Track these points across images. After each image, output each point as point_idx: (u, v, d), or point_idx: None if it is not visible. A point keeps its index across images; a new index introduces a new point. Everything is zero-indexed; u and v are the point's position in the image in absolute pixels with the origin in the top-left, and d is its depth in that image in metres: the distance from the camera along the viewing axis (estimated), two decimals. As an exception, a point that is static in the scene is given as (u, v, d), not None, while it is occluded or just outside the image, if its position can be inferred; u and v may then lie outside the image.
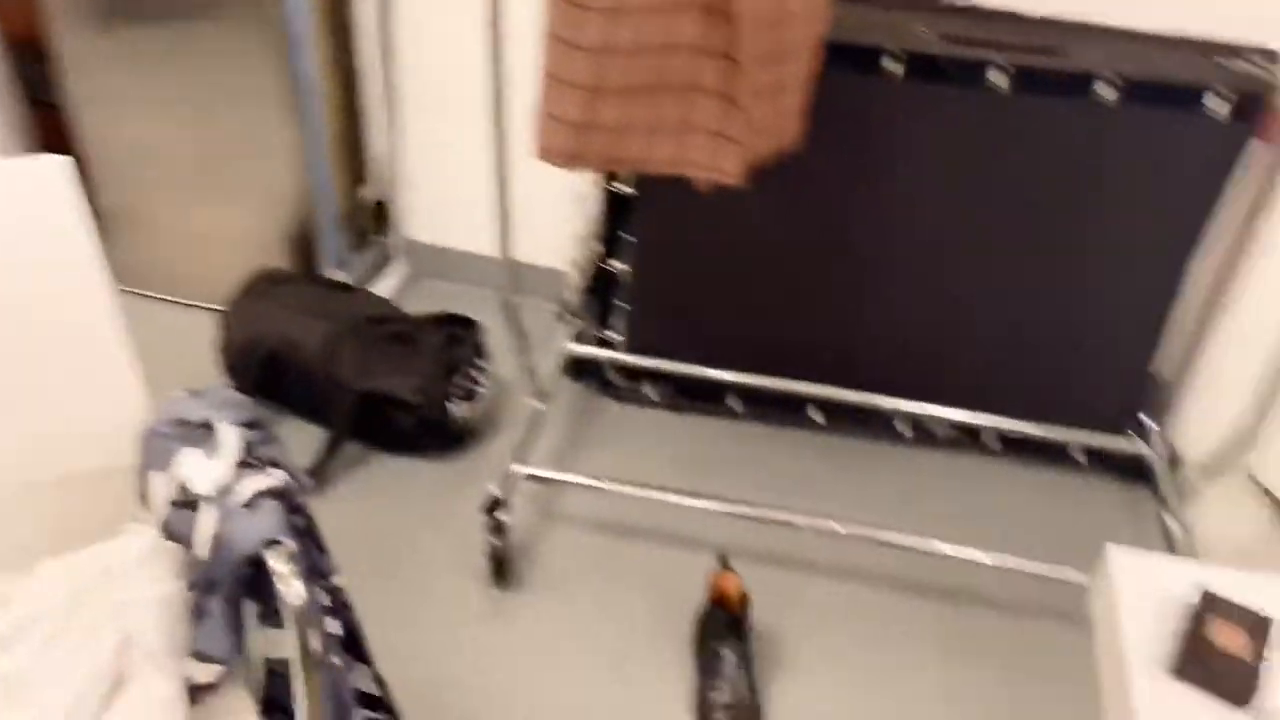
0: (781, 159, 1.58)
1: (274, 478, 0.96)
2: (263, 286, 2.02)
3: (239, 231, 2.18)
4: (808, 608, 1.80)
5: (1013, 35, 1.76)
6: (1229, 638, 0.81)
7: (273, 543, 0.93)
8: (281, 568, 0.91)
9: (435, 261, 2.42)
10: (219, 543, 0.92)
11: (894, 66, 1.75)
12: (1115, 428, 2.03)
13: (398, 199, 2.35)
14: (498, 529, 1.76)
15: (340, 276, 2.23)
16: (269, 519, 0.93)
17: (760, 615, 1.72)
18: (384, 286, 2.36)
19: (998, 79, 1.73)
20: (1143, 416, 2.04)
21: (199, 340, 2.17)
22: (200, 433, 1.06)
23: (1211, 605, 0.83)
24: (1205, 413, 1.95)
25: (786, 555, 1.88)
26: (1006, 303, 1.94)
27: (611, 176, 1.95)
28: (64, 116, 2.16)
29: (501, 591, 1.80)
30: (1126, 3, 1.75)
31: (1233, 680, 0.79)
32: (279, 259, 2.19)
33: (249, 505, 0.93)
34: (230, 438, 1.00)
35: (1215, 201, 1.79)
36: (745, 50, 1.37)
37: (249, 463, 0.99)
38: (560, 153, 1.44)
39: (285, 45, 1.95)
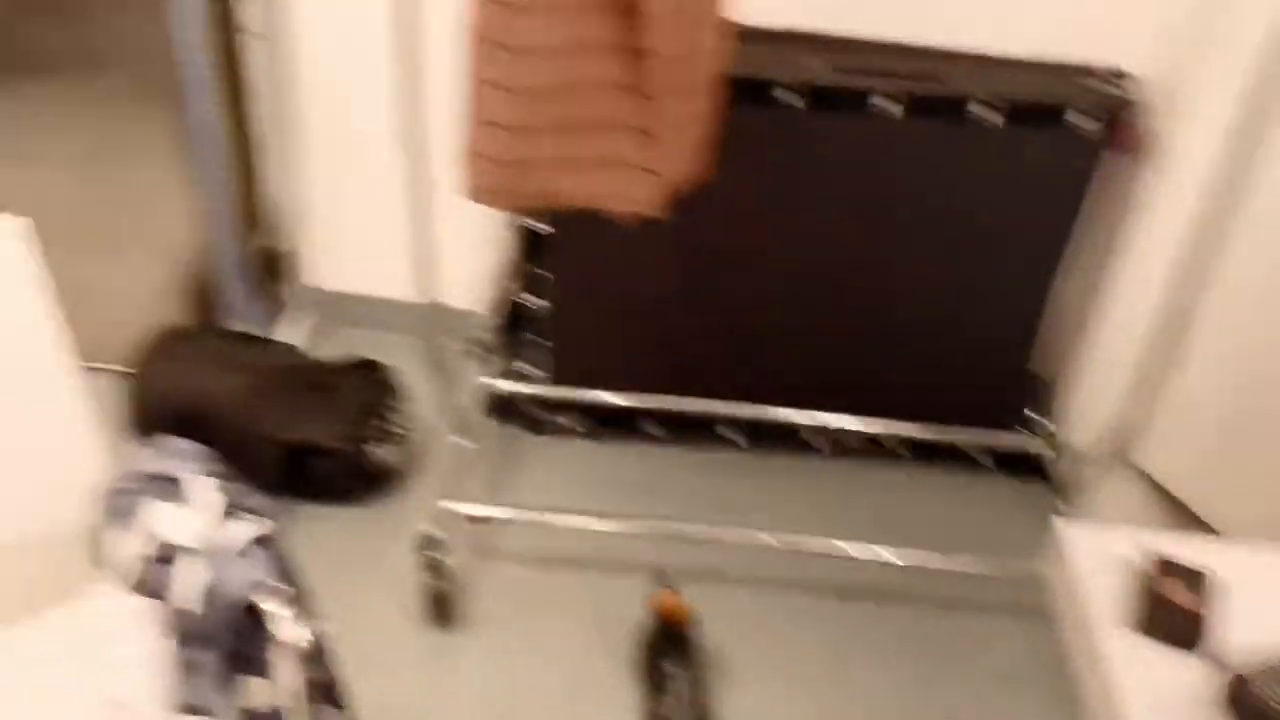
0: (693, 190, 1.65)
1: (262, 525, 0.96)
2: (170, 343, 1.97)
3: (135, 287, 2.13)
4: (745, 620, 1.85)
5: (896, 64, 1.88)
6: (1179, 594, 0.90)
7: (265, 588, 0.93)
8: (281, 611, 0.91)
9: (343, 308, 2.39)
10: (212, 594, 0.91)
11: (791, 98, 1.85)
12: (1004, 424, 2.17)
13: (302, 245, 2.32)
14: (435, 568, 1.76)
15: (247, 328, 2.19)
16: (261, 565, 0.93)
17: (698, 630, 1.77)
18: (292, 335, 2.33)
19: (885, 105, 1.84)
20: (1031, 414, 2.18)
21: (100, 404, 2.10)
22: (165, 485, 1.05)
23: (1162, 565, 0.92)
24: (1089, 406, 2.10)
25: (717, 571, 1.94)
26: (897, 313, 2.05)
27: (528, 213, 1.99)
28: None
29: (441, 633, 1.79)
30: (991, 30, 1.89)
31: (1185, 630, 0.88)
32: (179, 314, 2.15)
33: (242, 554, 0.93)
34: (207, 488, 1.00)
35: (1078, 207, 1.94)
36: (662, 85, 1.43)
37: (229, 511, 0.99)
38: (492, 191, 1.47)
39: (180, 92, 1.93)
